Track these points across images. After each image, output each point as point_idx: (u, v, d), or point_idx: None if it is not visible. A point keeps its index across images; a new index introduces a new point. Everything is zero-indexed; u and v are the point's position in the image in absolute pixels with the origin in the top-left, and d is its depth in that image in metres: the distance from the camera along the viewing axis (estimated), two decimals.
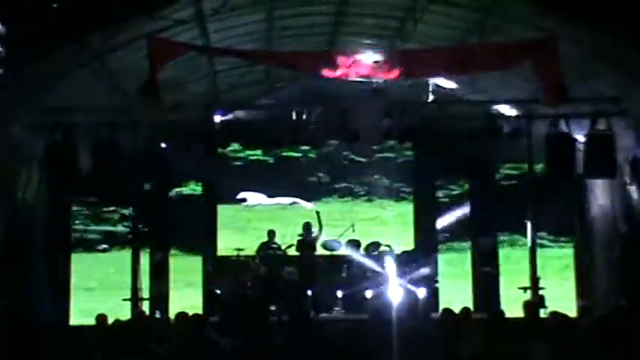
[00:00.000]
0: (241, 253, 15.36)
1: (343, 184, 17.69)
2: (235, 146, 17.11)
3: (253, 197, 17.43)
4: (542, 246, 14.44)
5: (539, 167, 12.97)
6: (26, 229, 12.13)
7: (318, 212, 15.53)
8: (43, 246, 12.75)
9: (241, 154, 17.34)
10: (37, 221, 12.59)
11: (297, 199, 17.49)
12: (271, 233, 15.64)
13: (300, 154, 17.41)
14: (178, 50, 11.54)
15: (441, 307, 11.90)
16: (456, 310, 9.81)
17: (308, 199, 17.41)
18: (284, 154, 17.30)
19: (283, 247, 15.41)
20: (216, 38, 12.91)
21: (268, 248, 15.43)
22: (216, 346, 8.72)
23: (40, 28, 10.10)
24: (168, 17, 11.50)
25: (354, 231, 15.91)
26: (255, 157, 17.45)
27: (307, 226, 15.48)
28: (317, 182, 17.70)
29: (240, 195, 17.35)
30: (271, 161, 17.43)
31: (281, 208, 17.37)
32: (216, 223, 16.96)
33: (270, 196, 17.39)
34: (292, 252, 15.29)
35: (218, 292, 14.80)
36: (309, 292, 14.46)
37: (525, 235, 13.48)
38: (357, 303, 14.59)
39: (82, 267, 15.67)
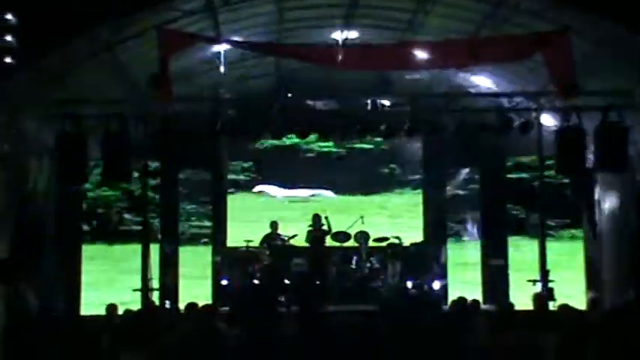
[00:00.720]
0: (251, 244, 15.40)
1: (417, 176, 17.65)
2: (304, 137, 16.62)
3: (272, 190, 17.50)
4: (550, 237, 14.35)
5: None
6: (37, 221, 12.18)
7: (327, 217, 15.53)
8: (54, 237, 12.79)
9: (313, 145, 17.29)
10: (48, 212, 12.63)
11: (320, 191, 17.54)
12: (274, 224, 15.65)
13: (372, 146, 17.27)
14: (188, 41, 11.55)
15: (450, 299, 11.92)
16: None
17: (377, 192, 17.46)
18: (355, 145, 17.20)
19: (287, 238, 15.45)
20: (226, 29, 12.90)
21: (273, 239, 15.46)
22: (226, 336, 8.75)
23: (51, 20, 10.12)
24: (178, 8, 11.50)
25: (362, 223, 15.94)
26: (327, 149, 17.45)
27: (317, 218, 15.51)
28: (389, 174, 17.72)
29: (257, 188, 17.41)
30: (343, 152, 17.33)
31: (302, 200, 17.43)
32: (226, 214, 16.98)
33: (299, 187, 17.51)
34: (299, 243, 15.37)
35: (224, 282, 14.87)
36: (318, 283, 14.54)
37: (534, 228, 13.48)
38: (363, 294, 14.64)
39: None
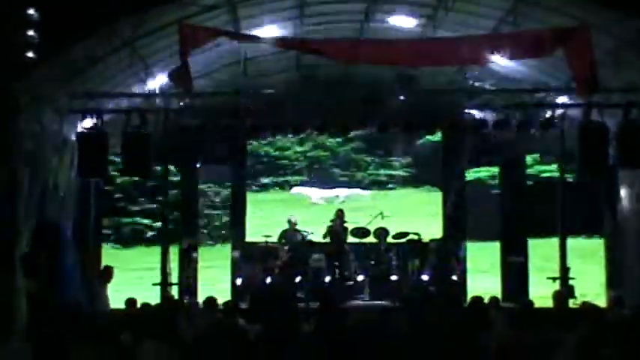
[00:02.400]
0: (269, 239, 15.41)
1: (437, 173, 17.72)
2: None
3: (308, 191, 17.60)
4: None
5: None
6: (58, 214, 12.25)
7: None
8: (74, 231, 12.87)
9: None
10: (69, 206, 12.70)
11: (353, 190, 17.62)
12: (292, 220, 15.63)
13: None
14: (209, 36, 11.55)
15: (470, 295, 11.88)
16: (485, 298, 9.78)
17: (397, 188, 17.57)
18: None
19: (306, 234, 15.45)
20: (246, 24, 12.91)
21: (292, 235, 15.46)
22: (244, 332, 8.75)
23: (73, 15, 10.16)
24: (198, 3, 11.51)
25: (382, 219, 15.92)
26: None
27: (340, 214, 15.49)
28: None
29: (295, 190, 17.52)
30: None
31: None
32: (245, 209, 17.02)
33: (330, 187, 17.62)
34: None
35: (239, 282, 14.84)
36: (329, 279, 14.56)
37: (555, 225, 13.42)
38: (382, 290, 14.63)
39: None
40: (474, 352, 8.05)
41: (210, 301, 9.86)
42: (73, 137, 12.12)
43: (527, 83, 13.55)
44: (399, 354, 8.07)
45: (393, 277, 14.90)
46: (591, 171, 12.66)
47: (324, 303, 9.64)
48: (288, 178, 19.17)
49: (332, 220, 15.42)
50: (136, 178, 17.81)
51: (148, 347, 7.63)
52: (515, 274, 15.29)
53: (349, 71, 15.00)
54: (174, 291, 13.26)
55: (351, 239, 15.59)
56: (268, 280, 14.75)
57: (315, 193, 17.61)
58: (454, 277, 14.89)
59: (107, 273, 12.49)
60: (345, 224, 15.43)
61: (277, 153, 19.84)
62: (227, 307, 9.49)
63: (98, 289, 12.25)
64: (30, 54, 9.90)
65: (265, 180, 19.46)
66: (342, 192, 17.61)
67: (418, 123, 16.36)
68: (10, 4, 10.01)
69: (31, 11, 9.80)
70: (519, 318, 8.75)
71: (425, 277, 14.82)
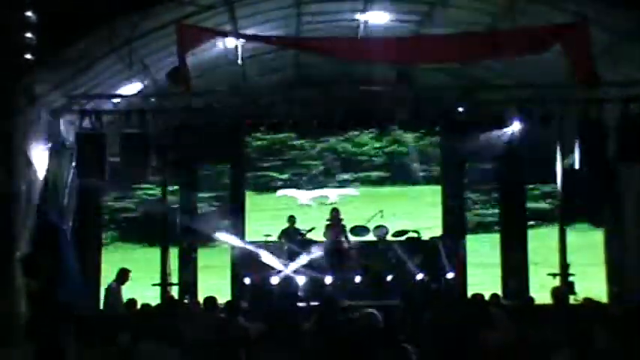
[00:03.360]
0: (269, 238, 15.39)
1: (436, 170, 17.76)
2: None
3: (294, 193, 17.52)
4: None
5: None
6: (58, 215, 12.25)
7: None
8: (75, 231, 12.86)
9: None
10: (69, 207, 12.70)
11: (343, 190, 17.58)
12: (292, 219, 15.63)
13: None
14: (206, 36, 11.55)
15: (470, 293, 11.88)
16: (485, 295, 9.78)
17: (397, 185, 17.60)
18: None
19: (305, 232, 15.43)
20: (244, 24, 12.90)
21: (292, 234, 15.44)
22: (245, 331, 8.76)
23: (70, 16, 10.15)
24: (195, 3, 11.50)
25: (382, 217, 15.91)
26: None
27: (335, 212, 15.48)
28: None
29: (280, 192, 17.42)
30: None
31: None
32: (244, 208, 17.02)
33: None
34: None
35: (247, 281, 14.79)
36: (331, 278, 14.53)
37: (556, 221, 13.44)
38: (382, 288, 14.61)
39: None
40: (475, 349, 8.06)
41: (211, 300, 9.86)
42: (72, 138, 12.11)
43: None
44: (400, 352, 8.07)
45: (393, 276, 14.88)
46: (590, 166, 12.64)
47: (324, 301, 9.65)
48: (368, 173, 18.93)
49: (328, 220, 15.41)
50: None
51: (148, 347, 7.63)
52: (514, 270, 15.28)
53: (347, 69, 14.99)
54: (174, 291, 13.26)
55: (350, 238, 15.59)
56: (269, 279, 14.73)
57: (302, 195, 17.53)
58: (454, 275, 14.87)
59: (124, 275, 12.54)
60: (343, 222, 15.41)
61: (355, 149, 19.70)
62: (228, 306, 9.50)
63: (114, 290, 12.31)
64: (28, 55, 9.90)
65: (345, 176, 19.27)
66: (331, 192, 17.55)
67: (417, 120, 16.43)
68: (7, 6, 10.01)
69: (28, 13, 9.79)
70: (519, 315, 8.75)
71: (424, 275, 14.81)
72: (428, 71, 14.60)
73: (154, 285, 12.76)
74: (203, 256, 16.12)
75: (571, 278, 13.06)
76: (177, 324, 8.67)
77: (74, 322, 8.27)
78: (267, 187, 17.48)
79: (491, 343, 8.18)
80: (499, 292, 13.97)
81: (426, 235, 16.04)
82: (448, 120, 15.86)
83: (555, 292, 10.28)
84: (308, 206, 17.37)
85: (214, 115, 13.70)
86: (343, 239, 15.29)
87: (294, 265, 14.53)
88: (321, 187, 17.51)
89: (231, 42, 12.88)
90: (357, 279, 14.86)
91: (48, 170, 11.92)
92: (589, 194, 14.60)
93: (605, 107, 11.83)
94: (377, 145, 17.85)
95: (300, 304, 13.08)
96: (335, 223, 15.41)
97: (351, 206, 16.82)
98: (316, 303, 12.37)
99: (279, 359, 8.31)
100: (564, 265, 12.88)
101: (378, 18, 13.35)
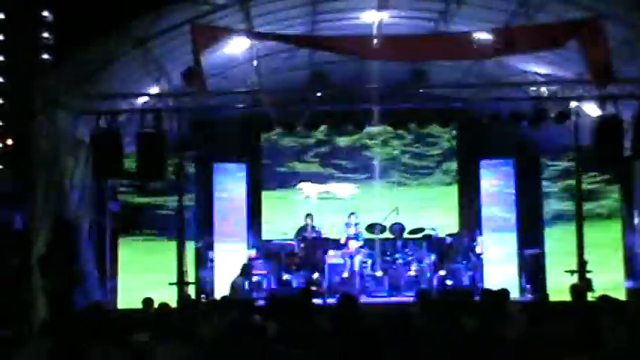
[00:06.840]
0: (285, 237, 15.43)
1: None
2: None
3: (309, 187, 17.44)
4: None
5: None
6: (74, 214, 12.32)
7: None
8: (91, 230, 12.94)
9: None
10: (85, 206, 12.77)
11: (342, 185, 17.50)
12: (309, 217, 15.64)
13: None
14: (221, 35, 11.56)
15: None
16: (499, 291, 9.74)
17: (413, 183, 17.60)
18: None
19: (321, 230, 15.46)
20: (258, 22, 12.90)
21: (308, 232, 15.47)
22: (262, 330, 8.76)
23: (86, 16, 10.23)
24: (210, 2, 11.53)
25: (397, 214, 15.90)
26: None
27: (352, 212, 15.51)
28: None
29: (299, 186, 17.37)
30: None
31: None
32: (260, 207, 17.05)
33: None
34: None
35: (256, 279, 14.82)
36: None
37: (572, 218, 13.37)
38: (399, 286, 14.62)
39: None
40: (490, 346, 8.03)
41: (227, 300, 9.89)
42: (88, 138, 12.18)
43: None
44: (417, 349, 8.06)
45: (410, 273, 14.88)
46: (607, 163, 12.58)
47: (340, 299, 9.65)
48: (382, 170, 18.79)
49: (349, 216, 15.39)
50: None
51: (165, 347, 7.66)
52: (531, 267, 15.21)
53: (362, 67, 14.97)
54: (191, 290, 13.30)
55: (367, 235, 15.60)
56: (285, 277, 14.77)
57: (312, 190, 17.41)
58: (470, 272, 14.85)
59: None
60: (357, 221, 15.41)
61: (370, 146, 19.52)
62: (244, 304, 9.52)
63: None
64: (45, 55, 9.97)
65: (358, 173, 19.13)
66: (345, 187, 17.46)
67: (432, 118, 16.42)
68: (24, 7, 10.08)
69: (45, 13, 9.85)
70: (535, 312, 8.71)
71: (442, 273, 14.80)
72: (443, 68, 14.56)
73: (171, 284, 12.78)
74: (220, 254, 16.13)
75: (588, 275, 13.00)
76: (193, 323, 8.69)
77: (91, 321, 8.31)
78: (282, 184, 17.45)
79: (506, 338, 8.14)
80: (516, 288, 14.01)
81: (442, 233, 16.05)
82: (464, 117, 15.86)
83: (575, 289, 10.25)
84: (324, 200, 17.34)
85: (229, 114, 13.72)
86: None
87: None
88: (337, 182, 17.47)
89: (245, 41, 12.88)
90: (373, 276, 14.87)
91: (64, 170, 11.99)
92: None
93: (621, 104, 11.74)
94: (393, 142, 17.80)
95: (317, 302, 13.10)
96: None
97: (368, 203, 16.75)
98: (333, 300, 12.42)
99: (295, 358, 8.31)
100: (582, 262, 12.82)
101: (393, 16, 13.32)
